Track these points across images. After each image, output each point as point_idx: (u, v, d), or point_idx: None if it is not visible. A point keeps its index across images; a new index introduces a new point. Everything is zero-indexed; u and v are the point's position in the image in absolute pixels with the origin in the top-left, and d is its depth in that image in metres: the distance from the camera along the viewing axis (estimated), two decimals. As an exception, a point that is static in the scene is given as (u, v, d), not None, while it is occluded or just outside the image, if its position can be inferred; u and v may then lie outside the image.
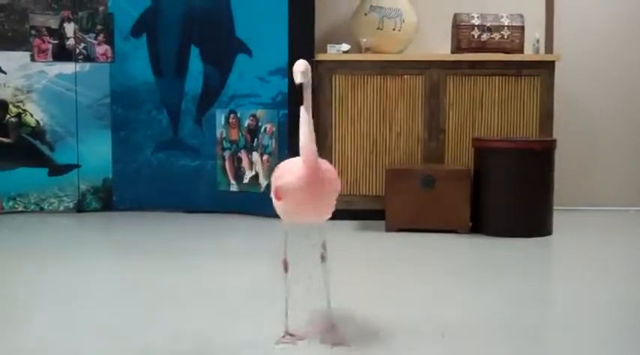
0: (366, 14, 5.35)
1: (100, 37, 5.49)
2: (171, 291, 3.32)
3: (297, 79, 2.43)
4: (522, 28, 5.23)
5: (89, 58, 5.50)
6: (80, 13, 5.46)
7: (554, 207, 4.77)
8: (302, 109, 2.47)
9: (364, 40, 5.31)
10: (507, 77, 5.18)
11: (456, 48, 5.27)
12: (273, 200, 2.56)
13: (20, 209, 5.48)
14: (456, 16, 5.30)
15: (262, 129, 5.35)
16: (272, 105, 5.33)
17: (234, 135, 5.45)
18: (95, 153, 5.52)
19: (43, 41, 5.44)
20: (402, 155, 5.23)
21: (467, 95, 5.19)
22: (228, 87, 5.46)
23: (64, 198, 5.53)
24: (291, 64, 5.36)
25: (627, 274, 3.81)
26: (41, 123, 5.48)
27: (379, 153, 5.24)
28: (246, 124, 5.40)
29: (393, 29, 5.34)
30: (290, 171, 2.47)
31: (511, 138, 5.05)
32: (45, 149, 5.49)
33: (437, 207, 4.73)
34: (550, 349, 2.66)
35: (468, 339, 2.65)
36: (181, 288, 3.36)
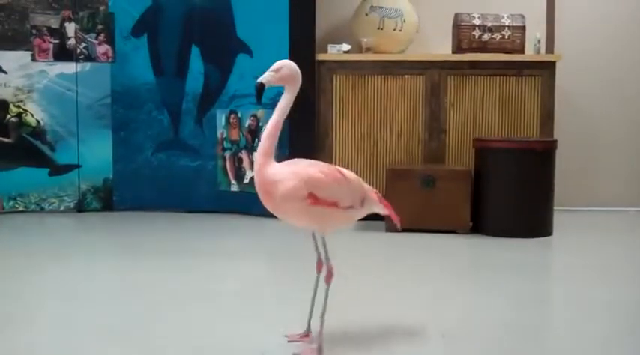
0: (366, 14, 5.35)
1: (101, 37, 5.49)
2: (171, 291, 3.32)
3: (263, 77, 2.49)
4: (523, 28, 5.23)
5: (90, 57, 5.50)
6: (81, 13, 5.46)
7: (555, 208, 4.77)
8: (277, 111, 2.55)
9: (365, 40, 5.31)
10: (508, 77, 5.18)
11: (457, 48, 5.27)
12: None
13: (21, 209, 5.49)
14: (456, 16, 5.30)
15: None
16: (272, 105, 5.23)
17: (235, 135, 5.45)
18: (96, 153, 5.52)
19: (44, 41, 5.44)
20: (402, 155, 5.23)
21: (467, 95, 5.20)
22: (228, 87, 5.46)
23: (65, 198, 5.53)
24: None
25: (627, 274, 3.81)
26: (42, 123, 5.48)
27: (380, 153, 5.24)
28: (246, 124, 5.41)
29: (394, 29, 5.34)
30: None
31: (512, 138, 5.05)
32: (45, 149, 5.50)
33: (437, 207, 4.73)
34: (550, 349, 2.66)
35: (468, 340, 2.65)
36: (182, 288, 3.36)
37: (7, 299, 3.19)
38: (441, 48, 5.54)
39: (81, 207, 5.53)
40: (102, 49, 5.51)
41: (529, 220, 4.66)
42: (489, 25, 5.23)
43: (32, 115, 5.47)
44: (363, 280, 3.60)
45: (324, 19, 5.58)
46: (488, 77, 5.19)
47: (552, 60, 5.19)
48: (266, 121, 5.32)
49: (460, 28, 5.24)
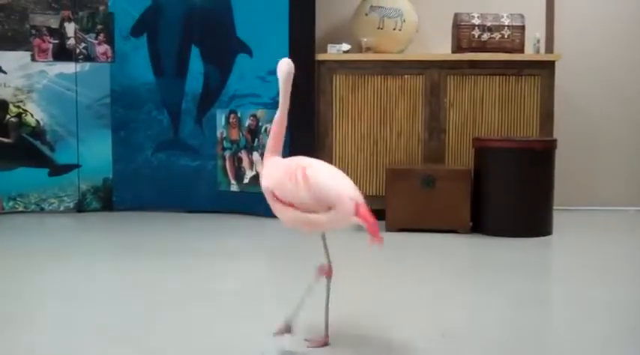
0: (366, 14, 5.35)
1: (101, 37, 5.49)
2: (171, 291, 3.32)
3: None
4: (523, 27, 5.23)
5: (89, 57, 5.50)
6: (80, 13, 5.46)
7: (554, 207, 4.78)
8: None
9: (365, 39, 5.31)
10: (508, 77, 5.18)
11: (457, 48, 5.27)
12: None
13: (20, 209, 5.48)
14: (456, 15, 5.31)
15: (263, 129, 5.35)
16: (272, 105, 5.32)
17: (235, 135, 5.45)
18: (95, 153, 5.52)
19: (44, 41, 5.44)
20: (402, 155, 5.23)
21: (467, 95, 5.20)
22: (228, 87, 5.46)
23: (65, 198, 5.53)
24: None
25: (627, 274, 3.81)
26: (41, 123, 5.48)
27: (379, 152, 5.24)
28: (246, 124, 5.40)
29: (394, 29, 5.34)
30: None
31: (511, 138, 5.05)
32: (45, 149, 5.49)
33: (437, 206, 4.73)
34: (550, 349, 2.66)
35: (468, 339, 2.65)
36: (181, 288, 3.36)
37: (7, 299, 3.19)
38: (440, 47, 5.54)
39: (81, 207, 5.53)
40: (101, 48, 5.50)
41: (529, 220, 4.66)
42: (489, 24, 5.23)
43: (32, 115, 5.47)
44: (363, 280, 3.60)
45: (323, 19, 5.58)
46: (488, 77, 5.19)
47: (552, 59, 5.19)
48: (266, 121, 5.34)
49: (460, 28, 5.24)
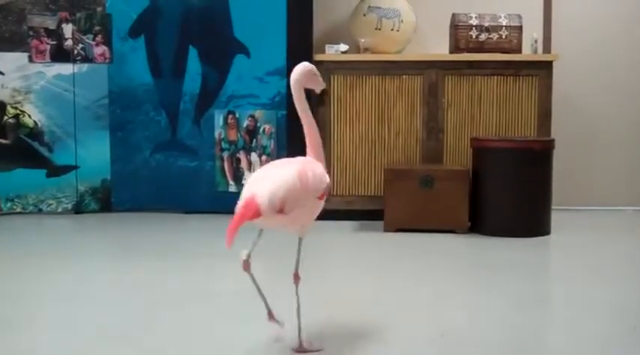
0: (364, 14, 5.35)
1: (98, 38, 5.49)
2: (170, 292, 3.31)
3: (321, 82, 2.54)
4: (520, 28, 5.24)
5: (87, 58, 5.49)
6: (78, 14, 5.46)
7: (553, 207, 4.78)
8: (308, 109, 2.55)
9: (363, 40, 5.32)
10: (505, 77, 5.18)
11: (455, 48, 5.28)
12: (318, 204, 2.48)
13: (18, 210, 5.48)
14: (454, 16, 5.31)
15: (261, 130, 5.35)
16: (270, 105, 5.33)
17: (233, 135, 5.45)
18: (93, 154, 5.51)
19: (41, 42, 5.43)
20: (400, 155, 5.23)
21: (465, 95, 5.20)
22: (226, 87, 5.46)
23: (63, 200, 5.52)
24: (289, 64, 5.41)
25: (626, 273, 3.81)
26: (39, 124, 5.47)
27: (378, 153, 5.24)
28: (244, 125, 5.40)
29: (392, 29, 5.34)
30: (318, 172, 2.49)
31: (509, 138, 5.06)
32: (43, 150, 5.49)
33: (435, 207, 4.73)
34: (550, 349, 2.67)
35: (467, 339, 2.65)
36: (181, 289, 3.36)
37: (7, 300, 3.18)
38: (438, 48, 5.54)
39: (79, 209, 5.52)
40: (99, 50, 5.50)
41: (527, 220, 4.66)
42: (487, 25, 5.23)
43: (29, 116, 5.46)
44: (362, 280, 3.60)
45: (321, 20, 5.59)
46: (486, 77, 5.19)
47: (549, 59, 5.20)
48: (264, 122, 5.34)
49: (457, 28, 5.24)
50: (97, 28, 5.49)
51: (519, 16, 5.27)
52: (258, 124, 5.36)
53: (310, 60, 5.08)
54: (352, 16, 5.44)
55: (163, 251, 4.25)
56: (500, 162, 4.69)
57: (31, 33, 5.42)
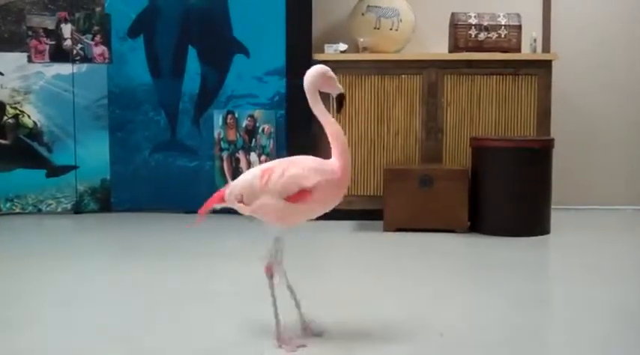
0: (363, 14, 5.35)
1: (97, 38, 5.49)
2: (170, 292, 3.32)
3: (339, 87, 2.53)
4: (519, 27, 5.24)
5: (86, 58, 5.49)
6: (77, 14, 5.45)
7: (552, 206, 4.78)
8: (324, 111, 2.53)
9: (362, 39, 5.32)
10: (505, 76, 5.18)
11: (454, 47, 5.28)
12: (286, 206, 2.48)
13: (18, 210, 5.48)
14: (453, 15, 5.31)
15: (260, 130, 5.35)
16: (270, 105, 5.33)
17: (232, 135, 5.45)
18: (93, 155, 5.51)
19: (40, 42, 5.43)
20: (399, 155, 5.23)
21: (464, 94, 5.20)
22: (225, 87, 5.46)
23: (62, 200, 5.52)
24: (288, 64, 5.40)
25: (626, 273, 3.81)
26: (39, 124, 5.47)
27: (377, 152, 5.24)
28: (243, 125, 5.40)
29: (391, 29, 5.34)
30: (318, 170, 2.44)
31: (509, 137, 5.06)
32: (42, 150, 5.49)
33: (435, 206, 4.73)
34: (550, 349, 2.67)
35: (467, 339, 2.65)
36: (181, 289, 3.36)
37: (7, 300, 3.19)
38: (437, 47, 5.54)
39: (78, 209, 5.52)
40: (98, 50, 5.50)
41: (527, 219, 4.66)
42: (486, 24, 5.23)
43: (29, 117, 5.46)
44: (362, 280, 3.60)
45: (320, 19, 5.59)
46: (485, 76, 5.19)
47: (549, 59, 5.20)
48: (263, 121, 5.34)
49: (457, 28, 5.24)
50: (96, 28, 5.48)
51: (518, 15, 5.27)
52: (258, 124, 5.36)
53: (309, 59, 5.10)
54: (351, 16, 5.44)
55: (163, 251, 4.25)
56: (500, 162, 4.69)
57: (30, 33, 5.42)
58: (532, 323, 2.88)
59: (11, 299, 3.22)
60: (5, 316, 2.93)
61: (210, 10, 5.48)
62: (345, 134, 2.54)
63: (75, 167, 5.51)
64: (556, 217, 4.81)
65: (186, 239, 4.61)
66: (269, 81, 5.33)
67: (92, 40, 5.49)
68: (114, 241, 4.73)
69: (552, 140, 4.82)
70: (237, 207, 2.59)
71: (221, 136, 5.48)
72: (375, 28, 5.32)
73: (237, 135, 5.42)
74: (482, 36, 5.22)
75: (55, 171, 5.51)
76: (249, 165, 5.37)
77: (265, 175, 2.47)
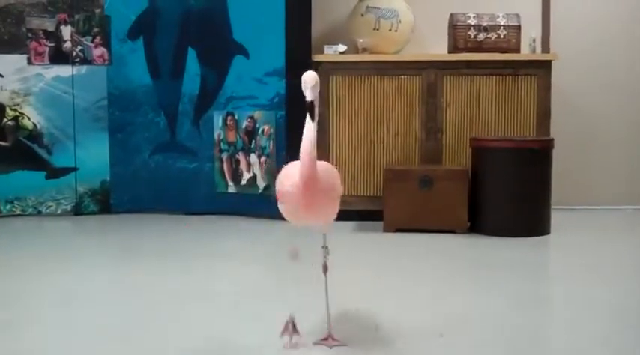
0: (362, 15, 5.35)
1: (97, 40, 5.49)
2: (170, 292, 3.32)
3: (308, 95, 2.35)
4: (519, 27, 5.24)
5: (86, 60, 5.49)
6: (77, 16, 5.46)
7: (552, 206, 4.78)
8: (308, 119, 2.41)
9: (361, 40, 5.32)
10: (504, 77, 5.19)
11: (453, 48, 5.28)
12: (278, 202, 2.54)
13: (18, 212, 5.47)
14: (452, 16, 5.31)
15: (260, 131, 5.35)
16: (269, 106, 5.33)
17: (232, 136, 5.45)
18: (93, 156, 5.51)
19: (40, 44, 5.43)
20: (399, 155, 5.23)
21: (464, 95, 5.20)
22: (225, 89, 5.46)
23: (62, 201, 5.52)
24: (288, 65, 5.40)
25: (625, 273, 3.81)
26: (38, 126, 5.47)
27: (377, 153, 5.24)
28: (243, 126, 5.40)
29: (390, 30, 5.34)
30: (288, 177, 2.45)
31: (508, 137, 5.06)
32: (42, 152, 5.49)
33: (435, 207, 4.73)
34: (550, 349, 2.67)
35: (467, 339, 2.65)
36: (180, 289, 3.36)
37: (7, 301, 3.19)
38: (436, 48, 5.54)
39: (78, 210, 5.52)
40: (98, 51, 5.50)
41: (527, 219, 4.66)
42: (485, 24, 5.24)
43: (29, 119, 5.46)
44: (362, 280, 3.60)
45: (320, 20, 5.59)
46: (485, 77, 5.20)
47: (548, 59, 5.20)
48: (263, 123, 5.34)
49: (456, 28, 5.25)
50: (95, 29, 5.49)
51: (518, 16, 5.27)
52: (257, 125, 5.36)
53: (309, 61, 5.11)
54: (350, 17, 5.44)
55: (163, 252, 4.25)
56: (500, 162, 4.69)
57: (29, 35, 5.42)
58: (532, 323, 2.88)
59: (11, 299, 3.22)
60: (5, 316, 2.93)
61: (209, 12, 5.48)
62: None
63: (75, 169, 5.51)
64: (556, 217, 4.81)
65: (186, 240, 4.62)
66: (269, 82, 5.33)
67: (92, 41, 5.49)
68: (114, 242, 4.73)
69: (552, 140, 4.82)
70: None
71: (221, 137, 5.48)
72: (374, 29, 5.33)
73: (237, 136, 5.42)
74: (481, 36, 5.23)
75: (54, 172, 5.52)
76: (249, 166, 5.37)
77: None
